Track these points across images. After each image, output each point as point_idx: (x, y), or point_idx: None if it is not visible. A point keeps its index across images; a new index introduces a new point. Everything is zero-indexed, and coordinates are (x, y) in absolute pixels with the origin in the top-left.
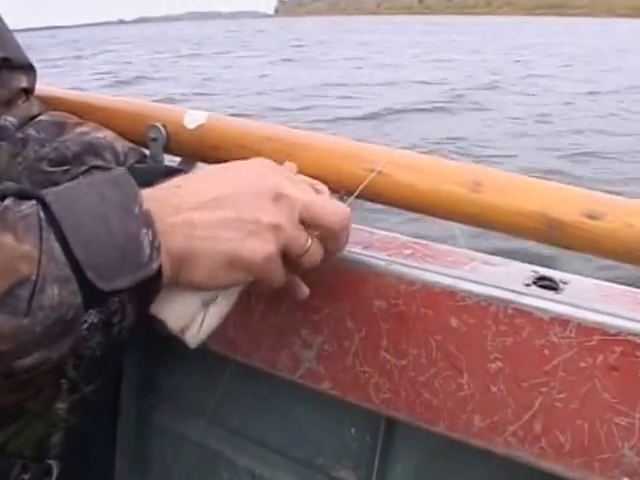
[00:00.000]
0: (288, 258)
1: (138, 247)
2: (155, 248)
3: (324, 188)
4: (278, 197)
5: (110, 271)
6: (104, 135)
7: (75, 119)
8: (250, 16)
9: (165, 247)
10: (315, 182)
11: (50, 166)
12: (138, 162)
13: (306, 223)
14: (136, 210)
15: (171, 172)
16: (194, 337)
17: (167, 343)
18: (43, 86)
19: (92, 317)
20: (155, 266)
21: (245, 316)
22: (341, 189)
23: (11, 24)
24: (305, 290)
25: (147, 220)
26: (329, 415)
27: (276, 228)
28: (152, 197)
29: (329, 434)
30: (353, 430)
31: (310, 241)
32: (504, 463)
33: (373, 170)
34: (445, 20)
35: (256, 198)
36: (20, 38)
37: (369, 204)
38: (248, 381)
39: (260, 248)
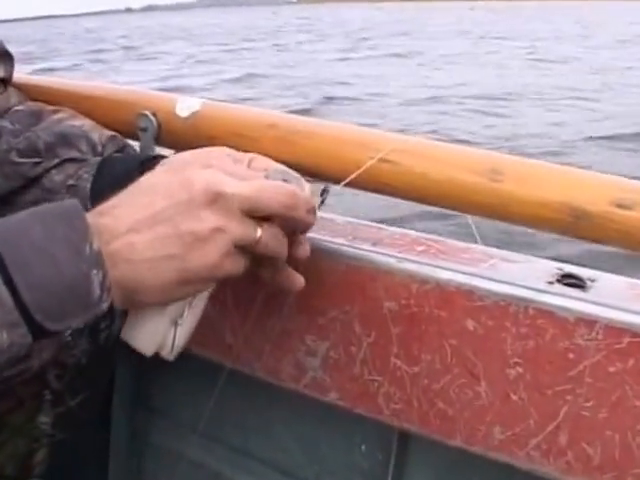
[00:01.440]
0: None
1: (88, 288)
2: (106, 289)
3: (263, 163)
4: (213, 199)
5: (59, 313)
6: (81, 124)
7: (52, 107)
8: (271, 3)
9: (111, 278)
10: (253, 156)
11: (19, 157)
12: (118, 152)
13: (251, 213)
14: (87, 250)
15: (149, 160)
16: (170, 353)
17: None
18: (23, 75)
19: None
20: (105, 306)
21: (243, 321)
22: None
23: (5, 13)
24: (299, 280)
25: (98, 260)
26: (337, 429)
27: (216, 232)
28: (97, 226)
29: (338, 451)
30: (364, 447)
31: (259, 231)
32: (527, 479)
33: (381, 158)
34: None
35: (189, 207)
36: (19, 28)
37: (378, 196)
38: (248, 392)
39: (204, 259)
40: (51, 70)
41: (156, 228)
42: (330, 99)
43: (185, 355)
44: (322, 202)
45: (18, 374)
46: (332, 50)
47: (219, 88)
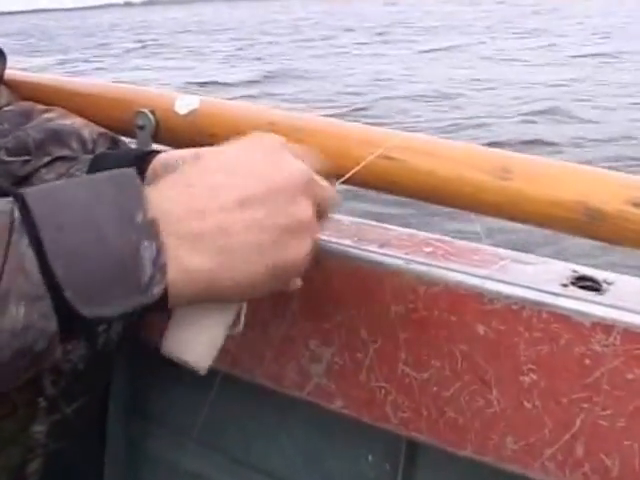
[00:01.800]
0: None
1: (136, 265)
2: (159, 268)
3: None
4: (310, 190)
5: (97, 293)
6: (71, 122)
7: (42, 107)
8: None
9: (183, 264)
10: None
11: (8, 155)
12: (109, 149)
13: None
14: (139, 218)
15: (143, 156)
16: (207, 364)
17: (157, 358)
18: (18, 72)
19: None
20: (156, 292)
21: (245, 326)
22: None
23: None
24: (296, 281)
25: (151, 231)
26: (343, 439)
27: (310, 222)
28: (163, 198)
29: (343, 461)
30: (370, 457)
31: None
32: None
33: (385, 156)
34: None
35: (289, 193)
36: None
37: (385, 196)
38: (249, 400)
39: (300, 250)
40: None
41: (250, 212)
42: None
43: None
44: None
45: (21, 374)
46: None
47: (261, 84)
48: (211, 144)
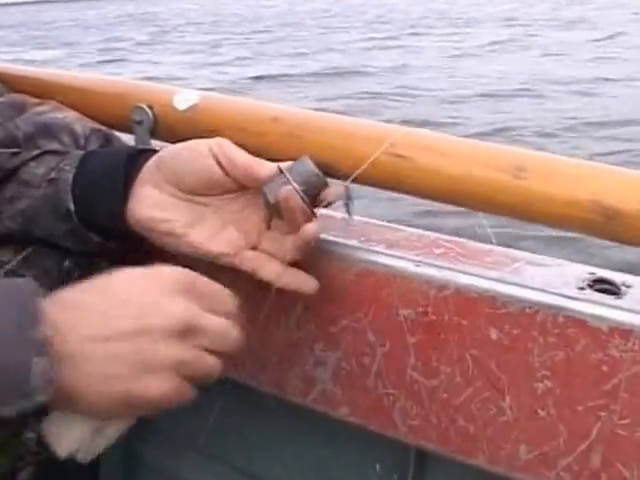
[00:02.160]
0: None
1: (26, 376)
2: (46, 381)
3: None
4: (186, 331)
5: None
6: (64, 116)
7: (35, 100)
8: None
9: (58, 377)
10: (217, 291)
11: None
12: (102, 145)
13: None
14: (33, 336)
15: (137, 154)
16: (86, 455)
17: None
18: (11, 65)
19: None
20: (41, 399)
21: (247, 329)
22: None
23: None
24: (310, 281)
25: (43, 349)
26: (349, 447)
27: (179, 365)
28: (54, 317)
29: (350, 471)
30: (378, 467)
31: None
32: None
33: (393, 153)
34: None
35: (162, 334)
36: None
37: (393, 194)
38: (252, 407)
39: (159, 388)
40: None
41: (117, 344)
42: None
43: None
44: (348, 204)
45: None
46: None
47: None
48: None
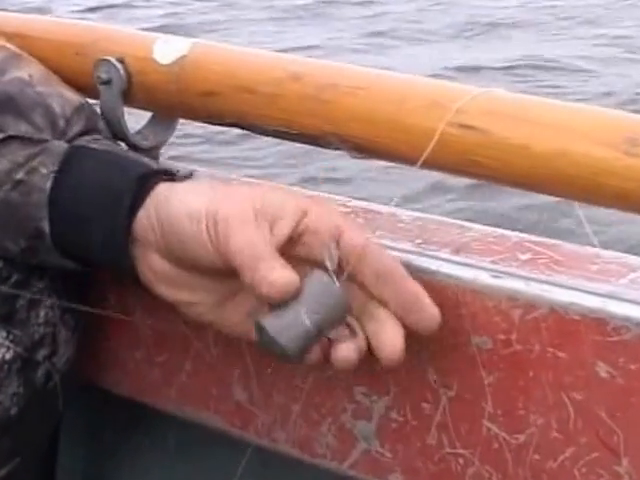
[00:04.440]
0: None
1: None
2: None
3: None
4: None
5: None
6: (28, 75)
7: None
8: None
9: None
10: None
11: None
12: (88, 132)
13: None
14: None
15: (155, 175)
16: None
17: (123, 407)
18: None
19: (3, 350)
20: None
21: (259, 368)
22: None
23: None
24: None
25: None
26: None
27: None
28: None
29: None
30: None
31: None
32: None
33: (461, 124)
34: None
35: None
36: None
37: (455, 180)
38: (268, 474)
39: None
40: None
41: None
42: None
43: (167, 418)
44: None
45: None
46: None
47: None
48: (208, 108)
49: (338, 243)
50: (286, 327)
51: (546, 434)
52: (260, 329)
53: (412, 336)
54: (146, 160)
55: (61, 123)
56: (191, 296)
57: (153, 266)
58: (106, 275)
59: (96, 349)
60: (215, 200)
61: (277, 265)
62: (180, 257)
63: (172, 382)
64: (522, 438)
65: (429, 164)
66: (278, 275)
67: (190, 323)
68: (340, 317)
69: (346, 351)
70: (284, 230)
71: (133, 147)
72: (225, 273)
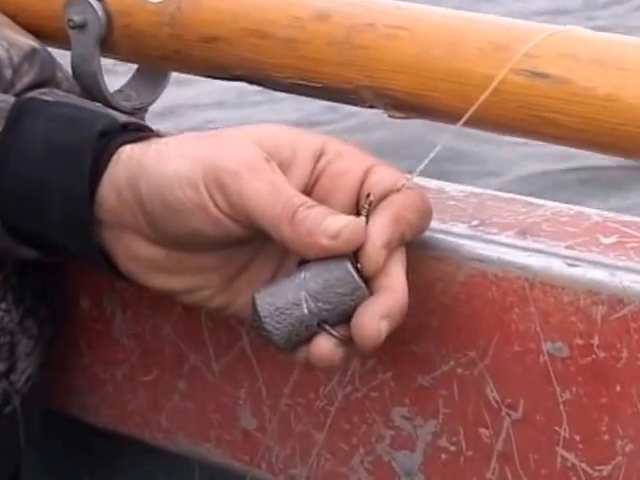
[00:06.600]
0: None
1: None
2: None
3: None
4: None
5: None
6: None
7: None
8: None
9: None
10: None
11: None
12: (41, 83)
13: None
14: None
15: (108, 134)
16: None
17: (114, 441)
18: None
19: None
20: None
21: (272, 387)
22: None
23: None
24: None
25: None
26: None
27: None
28: None
29: None
30: None
31: None
32: None
33: (530, 71)
34: None
35: None
36: None
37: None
38: None
39: None
40: None
41: None
42: None
43: (155, 452)
44: None
45: None
46: None
47: None
48: (208, 59)
49: (363, 188)
50: (279, 310)
51: (638, 464)
52: (253, 305)
53: (467, 342)
54: (113, 112)
55: (8, 73)
56: (191, 281)
57: (134, 252)
58: (77, 269)
59: (66, 365)
60: (210, 154)
61: (320, 209)
62: (171, 235)
63: (162, 407)
64: (607, 470)
65: (483, 122)
66: (333, 219)
67: (184, 336)
68: (350, 313)
69: (323, 347)
70: (300, 175)
71: (112, 109)
72: (231, 242)
